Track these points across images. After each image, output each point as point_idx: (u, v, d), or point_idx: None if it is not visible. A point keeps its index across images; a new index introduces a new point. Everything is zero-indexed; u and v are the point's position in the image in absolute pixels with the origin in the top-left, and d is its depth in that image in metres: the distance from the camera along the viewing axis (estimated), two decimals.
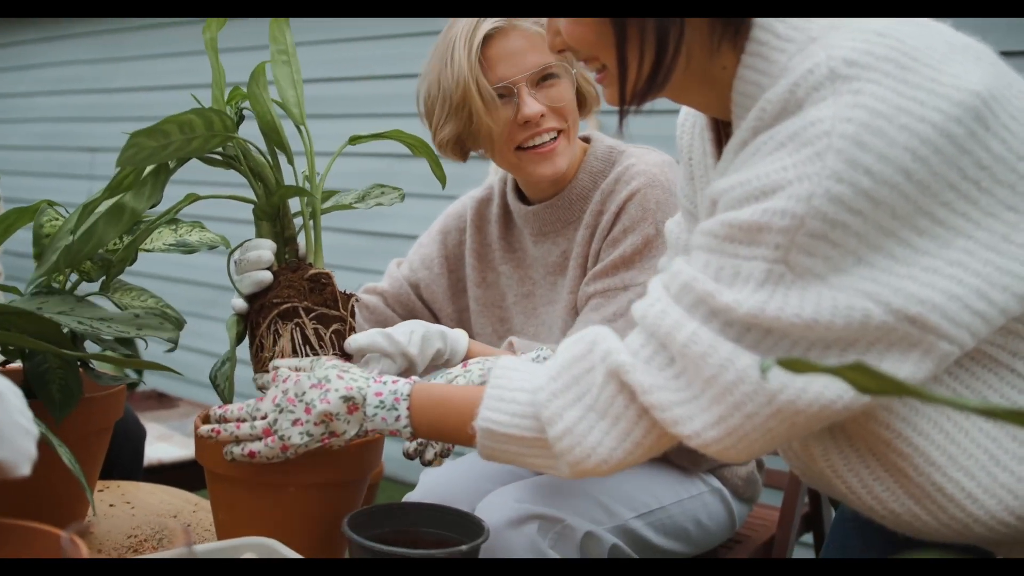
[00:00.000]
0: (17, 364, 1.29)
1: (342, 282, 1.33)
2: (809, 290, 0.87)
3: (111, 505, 1.44)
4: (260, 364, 1.29)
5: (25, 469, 0.85)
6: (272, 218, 1.32)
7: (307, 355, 1.26)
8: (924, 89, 0.86)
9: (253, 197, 1.32)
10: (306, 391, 1.15)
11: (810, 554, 2.56)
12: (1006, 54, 0.97)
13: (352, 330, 1.31)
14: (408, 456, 1.31)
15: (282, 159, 1.32)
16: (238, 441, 1.17)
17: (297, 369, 1.21)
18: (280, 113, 1.31)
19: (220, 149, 1.28)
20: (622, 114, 1.02)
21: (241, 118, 1.31)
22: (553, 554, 1.33)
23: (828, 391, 0.87)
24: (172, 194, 1.25)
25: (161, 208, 1.33)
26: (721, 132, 1.10)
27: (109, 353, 1.28)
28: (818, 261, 0.86)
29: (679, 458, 1.52)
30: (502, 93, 1.50)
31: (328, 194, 1.40)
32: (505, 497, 1.36)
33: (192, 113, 1.17)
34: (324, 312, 1.28)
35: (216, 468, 1.20)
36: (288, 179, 1.32)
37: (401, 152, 1.43)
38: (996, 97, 0.88)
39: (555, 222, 1.60)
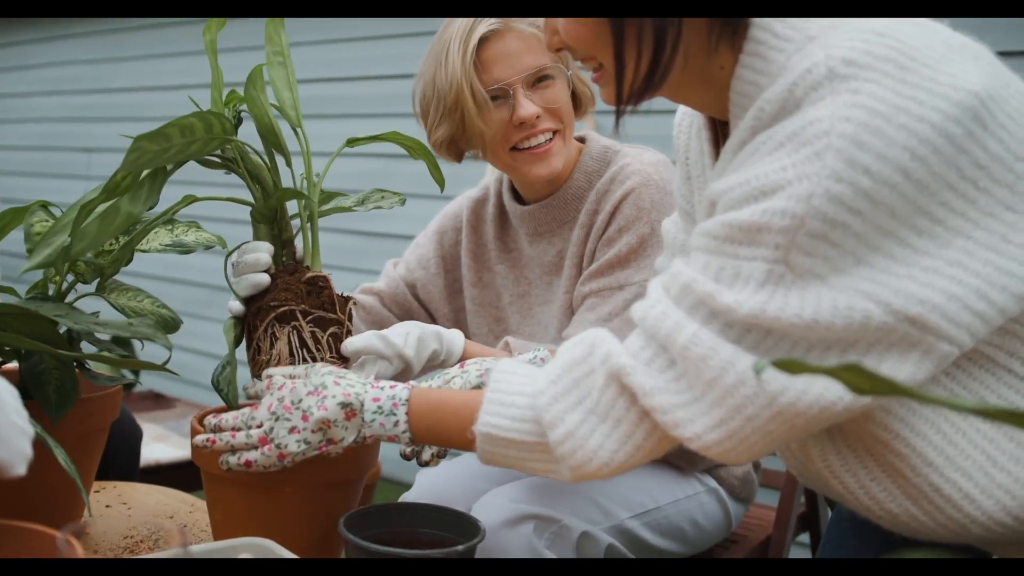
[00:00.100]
0: (13, 365, 1.28)
1: (338, 282, 1.33)
2: (809, 290, 0.87)
3: (107, 506, 1.44)
4: (257, 367, 1.28)
5: (21, 469, 0.85)
6: (270, 221, 1.32)
7: (304, 359, 1.25)
8: (922, 89, 0.86)
9: (250, 199, 1.32)
10: (303, 398, 1.13)
11: (806, 554, 2.56)
12: (1006, 54, 0.97)
13: (349, 333, 1.31)
14: (405, 457, 1.31)
15: (280, 161, 1.31)
16: (234, 450, 1.15)
17: (292, 377, 1.20)
18: (277, 115, 1.31)
19: (218, 151, 1.27)
20: (619, 114, 1.02)
21: (239, 120, 1.31)
22: (549, 554, 1.33)
23: (828, 393, 0.87)
24: (170, 194, 1.25)
25: (159, 209, 1.32)
26: (719, 132, 1.10)
27: (105, 353, 1.28)
28: (818, 261, 0.86)
29: (675, 458, 1.52)
30: (497, 94, 1.50)
31: (326, 195, 1.40)
32: (501, 497, 1.36)
33: (193, 117, 1.17)
34: (321, 315, 1.27)
35: (212, 469, 1.20)
36: (286, 181, 1.32)
37: (398, 152, 1.42)
38: (994, 97, 0.88)
39: (550, 222, 1.60)
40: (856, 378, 0.53)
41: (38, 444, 0.93)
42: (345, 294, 1.33)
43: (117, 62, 4.99)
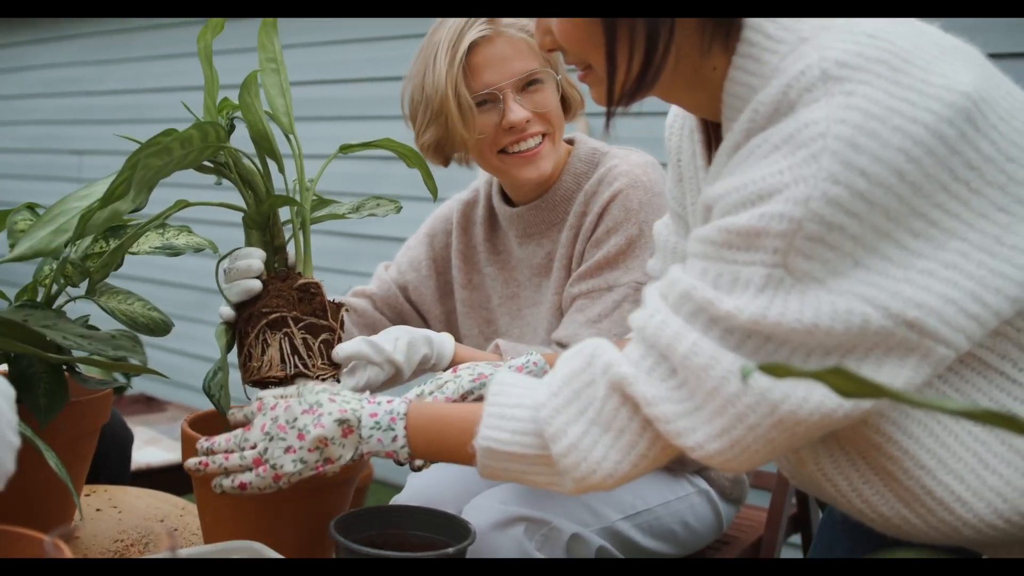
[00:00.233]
0: (3, 368, 1.28)
1: (330, 285, 1.33)
2: (808, 294, 0.86)
3: (98, 509, 1.44)
4: (248, 374, 1.27)
5: None
6: (262, 227, 1.32)
7: (296, 365, 1.24)
8: (915, 90, 0.86)
9: (242, 203, 1.31)
10: (298, 417, 1.12)
11: (798, 555, 2.56)
12: (997, 56, 0.97)
13: (340, 340, 1.30)
14: (397, 462, 1.31)
15: (272, 167, 1.31)
16: (227, 473, 1.13)
17: (283, 396, 1.17)
18: (269, 120, 1.31)
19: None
20: (609, 115, 1.02)
21: (232, 127, 1.30)
22: (540, 556, 1.33)
23: (829, 400, 0.87)
24: (162, 198, 1.25)
25: (151, 212, 1.32)
26: (711, 133, 1.10)
27: (96, 357, 1.28)
28: (816, 264, 0.86)
29: None
30: (487, 99, 1.51)
31: (319, 201, 1.39)
32: (492, 499, 1.36)
33: (192, 129, 1.17)
34: (313, 322, 1.27)
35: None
36: (279, 187, 1.32)
37: (391, 155, 1.42)
38: (985, 98, 0.88)
39: (539, 224, 1.60)
40: (841, 381, 0.53)
41: (29, 448, 0.93)
42: (337, 300, 1.33)
43: (108, 64, 4.98)
